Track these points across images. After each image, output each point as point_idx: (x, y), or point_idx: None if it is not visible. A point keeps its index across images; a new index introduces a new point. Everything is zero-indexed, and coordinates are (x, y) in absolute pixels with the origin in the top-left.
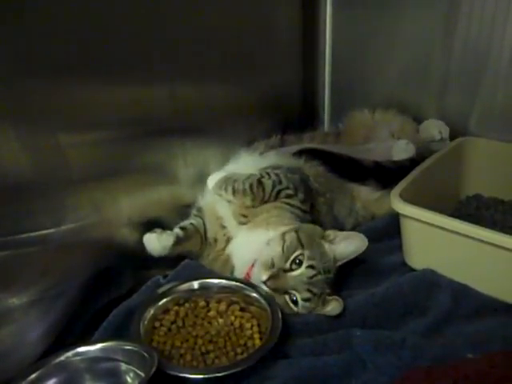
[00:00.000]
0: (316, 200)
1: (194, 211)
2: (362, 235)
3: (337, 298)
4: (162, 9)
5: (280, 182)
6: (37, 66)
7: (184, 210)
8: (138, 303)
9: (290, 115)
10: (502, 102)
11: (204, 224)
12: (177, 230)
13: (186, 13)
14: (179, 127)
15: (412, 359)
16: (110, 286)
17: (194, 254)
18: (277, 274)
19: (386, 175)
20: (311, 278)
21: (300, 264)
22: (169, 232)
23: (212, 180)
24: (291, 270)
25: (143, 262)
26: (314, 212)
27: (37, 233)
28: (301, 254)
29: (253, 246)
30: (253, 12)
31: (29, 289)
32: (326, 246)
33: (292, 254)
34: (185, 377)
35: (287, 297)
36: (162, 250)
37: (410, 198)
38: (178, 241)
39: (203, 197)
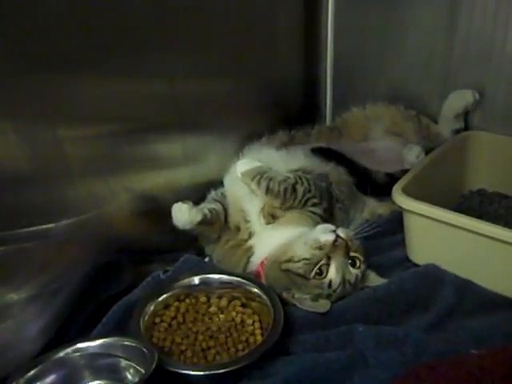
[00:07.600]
0: (334, 206)
1: (213, 195)
2: None
3: None
4: (162, 3)
5: (309, 191)
6: (35, 60)
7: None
8: (138, 299)
9: (292, 109)
10: (506, 95)
11: (225, 209)
12: (205, 210)
13: (185, 6)
14: (179, 121)
15: (415, 355)
16: (109, 282)
17: (208, 241)
18: (348, 244)
19: None
20: (349, 281)
21: (353, 266)
22: (199, 208)
23: (242, 166)
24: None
25: (143, 257)
26: (332, 218)
27: (36, 227)
28: (360, 260)
29: (276, 243)
30: (253, 5)
31: (28, 284)
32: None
33: (357, 253)
34: (185, 373)
35: (324, 260)
36: (189, 223)
37: (412, 193)
38: (205, 221)
39: (226, 182)
